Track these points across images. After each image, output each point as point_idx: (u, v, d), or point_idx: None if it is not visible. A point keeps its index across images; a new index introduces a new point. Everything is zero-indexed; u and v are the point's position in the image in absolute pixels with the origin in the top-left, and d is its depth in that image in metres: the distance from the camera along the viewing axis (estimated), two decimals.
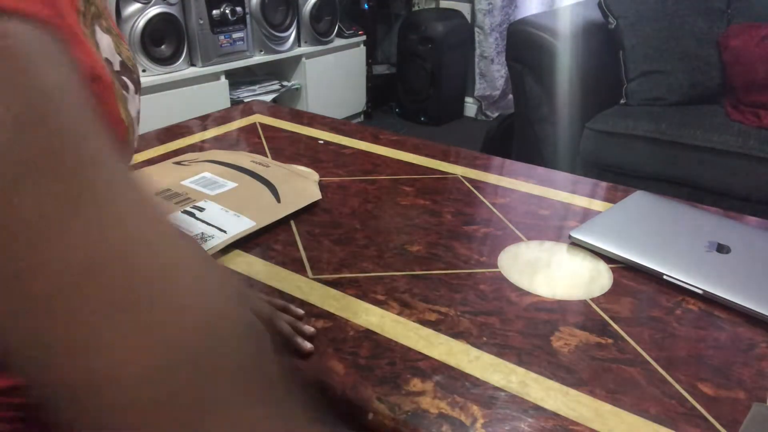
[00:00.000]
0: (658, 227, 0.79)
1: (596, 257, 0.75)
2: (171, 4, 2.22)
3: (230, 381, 0.25)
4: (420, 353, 0.58)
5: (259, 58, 2.64)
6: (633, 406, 0.53)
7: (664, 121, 1.93)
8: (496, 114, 3.33)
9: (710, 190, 1.88)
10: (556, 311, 0.65)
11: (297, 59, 2.84)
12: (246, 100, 1.76)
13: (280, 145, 1.07)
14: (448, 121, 3.35)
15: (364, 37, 3.14)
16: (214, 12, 2.37)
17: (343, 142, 1.09)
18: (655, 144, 1.93)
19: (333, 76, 3.01)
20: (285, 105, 2.12)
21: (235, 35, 2.48)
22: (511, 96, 3.02)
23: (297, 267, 0.72)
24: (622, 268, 0.73)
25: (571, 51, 2.00)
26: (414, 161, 1.02)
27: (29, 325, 0.23)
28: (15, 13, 0.23)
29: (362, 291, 0.67)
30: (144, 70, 2.17)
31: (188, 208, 0.81)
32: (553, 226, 0.82)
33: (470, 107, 3.47)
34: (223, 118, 1.20)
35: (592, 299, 0.67)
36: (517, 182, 0.95)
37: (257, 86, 2.75)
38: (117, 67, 0.42)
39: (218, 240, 0.74)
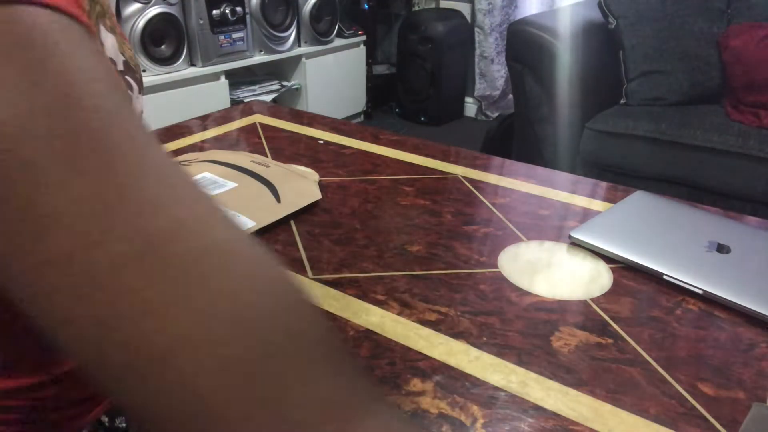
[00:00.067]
0: (658, 227, 0.79)
1: (596, 257, 0.75)
2: (171, 4, 2.22)
3: (303, 344, 0.26)
4: (420, 353, 0.58)
5: (259, 58, 2.64)
6: (633, 406, 0.53)
7: (664, 121, 1.93)
8: (496, 114, 3.33)
9: (710, 190, 1.88)
10: (556, 311, 0.65)
11: (297, 59, 2.84)
12: (246, 100, 1.76)
13: (280, 145, 1.07)
14: (448, 121, 3.35)
15: (364, 37, 3.15)
16: (214, 12, 2.37)
17: (343, 142, 1.09)
18: (655, 144, 1.93)
19: (333, 76, 3.01)
20: (285, 105, 2.12)
21: (235, 35, 2.49)
22: (511, 96, 3.02)
23: (297, 267, 0.72)
24: (622, 268, 0.73)
25: (571, 51, 2.00)
26: (414, 161, 1.02)
27: (96, 305, 0.23)
28: (43, 3, 0.24)
29: (362, 291, 0.68)
30: (144, 70, 2.17)
31: None
32: (553, 226, 0.82)
33: (470, 107, 3.47)
34: (223, 118, 1.20)
35: (592, 299, 0.67)
36: (517, 182, 0.95)
37: (257, 86, 2.76)
38: (121, 67, 0.42)
39: None
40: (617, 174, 2.00)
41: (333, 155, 1.03)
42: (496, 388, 0.54)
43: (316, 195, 0.87)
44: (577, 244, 0.77)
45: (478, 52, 3.27)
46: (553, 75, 2.02)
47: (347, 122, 1.23)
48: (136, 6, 2.13)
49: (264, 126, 1.16)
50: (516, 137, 2.26)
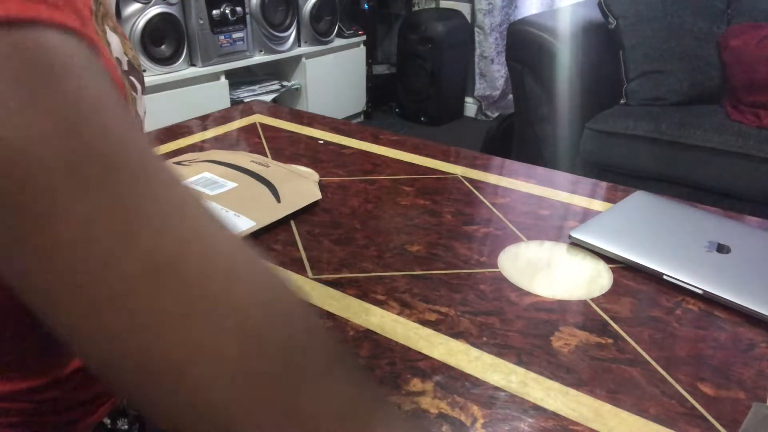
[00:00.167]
0: (658, 227, 0.79)
1: (596, 257, 0.75)
2: (171, 4, 2.22)
3: (310, 354, 0.27)
4: (420, 353, 0.58)
5: (259, 58, 2.64)
6: (633, 406, 0.53)
7: (664, 121, 1.93)
8: (496, 114, 3.33)
9: (710, 190, 1.88)
10: (556, 311, 0.65)
11: (297, 59, 2.84)
12: (246, 100, 1.76)
13: (280, 145, 1.07)
14: (448, 121, 3.35)
15: (364, 37, 3.14)
16: (214, 12, 2.37)
17: (343, 142, 1.09)
18: (655, 144, 1.93)
19: (333, 76, 3.01)
20: (285, 105, 2.12)
21: (235, 35, 2.49)
22: (511, 96, 3.02)
23: (297, 267, 0.72)
24: (622, 268, 0.73)
25: (571, 51, 2.00)
26: (414, 161, 1.02)
27: (111, 322, 0.24)
28: (51, 24, 0.24)
29: (362, 291, 0.68)
30: (144, 70, 2.17)
31: None
32: (553, 226, 0.82)
33: (470, 107, 3.47)
34: (223, 118, 1.20)
35: (592, 299, 0.67)
36: (517, 182, 0.95)
37: (257, 86, 2.75)
38: (125, 67, 0.42)
39: None
40: (617, 174, 2.00)
41: (333, 155, 1.03)
42: (496, 388, 0.54)
43: (316, 195, 0.87)
44: (577, 244, 0.77)
45: (478, 52, 3.27)
46: (553, 75, 2.02)
47: (347, 122, 1.23)
48: (136, 6, 2.13)
49: (264, 126, 1.16)
50: (516, 137, 2.26)
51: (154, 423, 0.25)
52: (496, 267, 0.73)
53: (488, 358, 0.58)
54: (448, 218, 0.83)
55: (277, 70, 2.89)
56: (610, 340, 0.61)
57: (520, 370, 0.57)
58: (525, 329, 0.62)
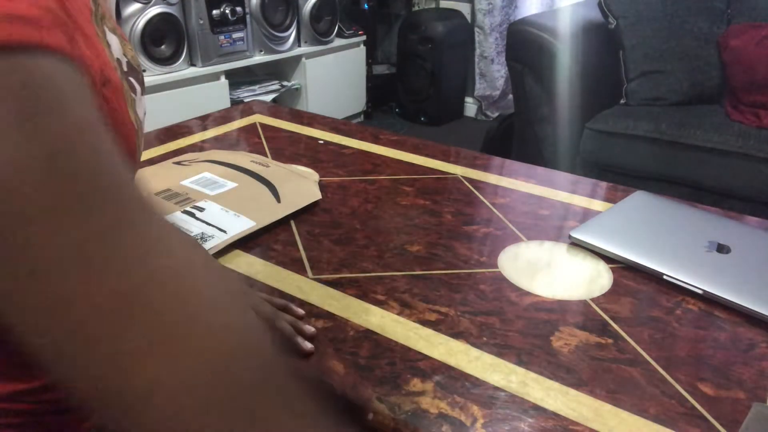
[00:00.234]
0: (658, 227, 0.79)
1: (596, 257, 0.75)
2: (171, 4, 2.22)
3: (265, 390, 0.28)
4: (420, 353, 0.58)
5: (259, 58, 2.64)
6: (633, 406, 0.53)
7: (664, 121, 1.93)
8: (496, 114, 3.33)
9: (710, 190, 1.88)
10: (556, 311, 0.65)
11: (297, 59, 2.84)
12: (246, 100, 1.76)
13: (280, 145, 1.07)
14: (448, 121, 3.35)
15: (364, 37, 3.14)
16: (214, 12, 2.37)
17: (343, 142, 1.09)
18: (655, 144, 1.93)
19: (333, 76, 3.01)
20: (285, 105, 2.12)
21: (235, 35, 2.48)
22: (511, 96, 3.02)
23: (297, 267, 0.72)
24: (622, 268, 0.73)
25: (571, 51, 2.00)
26: (414, 161, 1.02)
27: (79, 350, 0.24)
28: (38, 47, 0.24)
29: (362, 291, 0.68)
30: (144, 70, 2.17)
31: (188, 208, 0.81)
32: (553, 226, 0.82)
33: (470, 107, 3.47)
34: (223, 118, 1.20)
35: (592, 299, 0.67)
36: (517, 182, 0.95)
37: (257, 86, 2.75)
38: (125, 68, 0.42)
39: (218, 240, 0.74)
40: (617, 174, 2.00)
41: (333, 155, 1.03)
42: (496, 388, 0.54)
43: (316, 195, 0.87)
44: (577, 244, 0.77)
45: (478, 52, 3.27)
46: (553, 75, 2.01)
47: (347, 122, 1.23)
48: (136, 6, 2.12)
49: (264, 126, 1.16)
50: (516, 137, 2.26)
51: None
52: (496, 267, 0.73)
53: (488, 358, 0.58)
54: (448, 218, 0.83)
55: (277, 70, 2.89)
56: (610, 340, 0.61)
57: (520, 370, 0.57)
58: (525, 329, 0.62)
